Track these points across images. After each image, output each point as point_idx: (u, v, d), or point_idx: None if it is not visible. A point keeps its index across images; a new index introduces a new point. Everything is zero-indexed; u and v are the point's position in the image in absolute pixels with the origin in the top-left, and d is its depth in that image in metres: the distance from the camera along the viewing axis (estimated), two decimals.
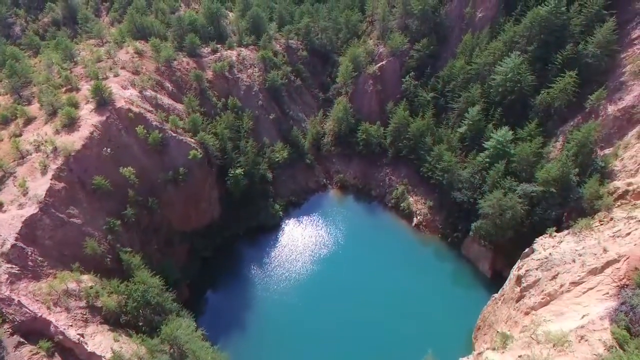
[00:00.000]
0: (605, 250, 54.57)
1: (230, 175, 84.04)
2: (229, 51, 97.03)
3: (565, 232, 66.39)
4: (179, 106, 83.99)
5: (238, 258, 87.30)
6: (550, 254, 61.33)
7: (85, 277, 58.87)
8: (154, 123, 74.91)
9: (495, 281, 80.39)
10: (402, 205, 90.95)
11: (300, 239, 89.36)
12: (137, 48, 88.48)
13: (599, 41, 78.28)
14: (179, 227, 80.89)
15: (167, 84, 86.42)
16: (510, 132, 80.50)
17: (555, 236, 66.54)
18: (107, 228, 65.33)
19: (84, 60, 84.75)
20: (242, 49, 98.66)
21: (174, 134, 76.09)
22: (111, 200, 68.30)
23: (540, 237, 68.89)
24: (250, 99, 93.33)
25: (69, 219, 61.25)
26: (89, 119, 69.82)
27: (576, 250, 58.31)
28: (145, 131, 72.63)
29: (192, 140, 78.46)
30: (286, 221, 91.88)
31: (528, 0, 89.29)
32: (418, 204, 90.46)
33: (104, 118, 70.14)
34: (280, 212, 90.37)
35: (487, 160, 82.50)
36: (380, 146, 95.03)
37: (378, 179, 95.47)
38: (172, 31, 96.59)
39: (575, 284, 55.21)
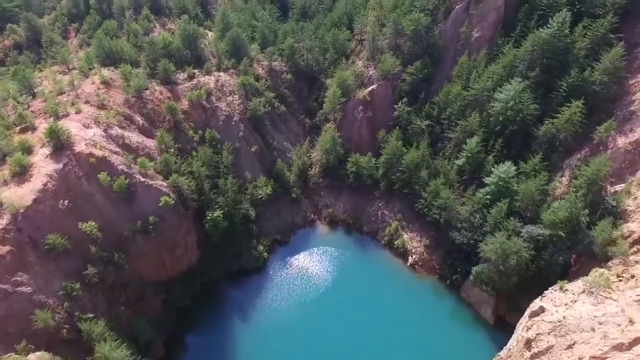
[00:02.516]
0: (631, 322, 47.59)
1: (209, 218, 76.06)
2: (206, 77, 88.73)
3: (578, 285, 59.38)
4: (151, 143, 75.64)
5: (219, 305, 79.24)
6: (564, 317, 54.22)
7: (33, 357, 50.63)
8: (120, 167, 66.54)
9: (498, 328, 73.47)
10: (396, 242, 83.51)
11: (287, 282, 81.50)
12: (104, 78, 79.85)
13: (606, 67, 71.42)
14: (152, 277, 72.70)
15: (138, 118, 78.00)
16: (513, 168, 73.38)
17: (566, 290, 59.66)
18: (64, 293, 57.08)
19: (43, 93, 76.11)
20: (221, 73, 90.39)
21: (142, 179, 67.73)
22: (70, 259, 60.03)
23: (550, 290, 61.91)
24: (230, 130, 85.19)
25: (15, 289, 53.03)
26: (43, 166, 61.36)
27: (595, 316, 51.22)
28: (110, 178, 64.27)
29: (164, 184, 70.15)
30: (271, 262, 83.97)
31: (528, 21, 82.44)
32: (413, 242, 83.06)
33: (60, 166, 61.72)
34: (265, 254, 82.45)
35: (488, 197, 75.38)
36: (372, 178, 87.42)
37: (370, 214, 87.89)
38: (145, 56, 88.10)
39: (596, 359, 48.26)
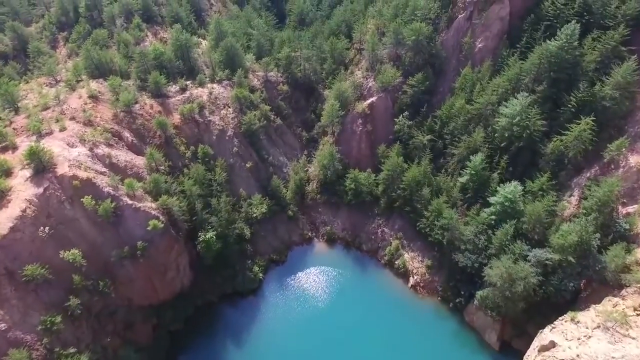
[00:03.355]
0: None
1: (201, 240, 71.97)
2: (199, 89, 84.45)
3: (591, 317, 55.63)
4: (140, 161, 71.42)
5: (213, 329, 75.11)
6: (577, 355, 50.38)
7: None
8: (106, 189, 62.35)
9: (504, 353, 69.74)
10: (396, 262, 79.47)
11: (283, 304, 77.46)
12: (91, 91, 75.62)
13: (617, 82, 67.37)
14: (142, 302, 68.67)
15: (127, 134, 73.80)
16: (520, 188, 69.36)
17: (578, 322, 55.81)
18: (43, 328, 53.04)
19: (27, 108, 71.83)
20: (215, 85, 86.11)
21: (129, 202, 63.54)
22: (51, 289, 56.03)
23: (560, 320, 58.17)
24: (223, 145, 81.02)
25: None
26: (23, 191, 57.23)
27: (613, 357, 47.46)
28: (94, 202, 60.12)
29: (153, 205, 65.99)
30: (267, 283, 79.91)
31: (534, 32, 78.31)
32: (414, 262, 79.05)
33: (41, 190, 57.56)
34: (260, 274, 78.40)
35: (493, 217, 71.42)
36: (372, 194, 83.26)
37: (369, 232, 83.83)
38: (135, 67, 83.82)
39: None
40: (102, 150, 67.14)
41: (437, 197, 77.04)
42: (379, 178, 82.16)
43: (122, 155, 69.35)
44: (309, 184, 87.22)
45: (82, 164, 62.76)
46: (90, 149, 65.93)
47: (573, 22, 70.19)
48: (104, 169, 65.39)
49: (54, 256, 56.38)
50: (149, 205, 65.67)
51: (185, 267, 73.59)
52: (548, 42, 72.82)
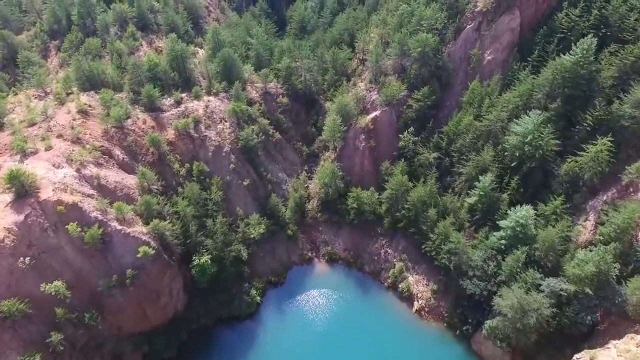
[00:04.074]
0: None
1: (195, 264, 67.64)
2: (195, 102, 79.94)
3: (612, 357, 51.21)
4: (131, 180, 66.96)
5: (208, 355, 70.76)
6: None
7: None
8: (93, 214, 58.00)
9: None
10: (400, 285, 75.07)
11: (282, 329, 73.06)
12: (81, 106, 71.20)
13: (636, 100, 62.72)
14: (132, 330, 64.40)
15: (117, 152, 69.34)
16: (532, 212, 64.77)
17: None
18: None
19: (12, 124, 67.38)
20: (211, 98, 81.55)
21: (119, 227, 59.16)
22: (31, 325, 51.83)
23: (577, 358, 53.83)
24: (219, 161, 76.53)
25: None
26: (2, 218, 52.85)
27: None
28: (80, 228, 55.75)
29: (144, 230, 61.59)
30: (265, 306, 75.47)
31: (546, 45, 73.63)
32: (419, 285, 74.62)
33: (21, 217, 53.30)
34: (258, 297, 73.97)
35: (503, 242, 66.92)
36: (374, 213, 78.72)
37: (372, 252, 79.38)
38: (129, 79, 79.33)
39: None
40: (91, 170, 62.69)
41: (444, 219, 72.49)
42: (382, 197, 77.60)
43: (112, 176, 64.92)
44: (309, 202, 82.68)
45: (68, 187, 58.36)
46: (78, 170, 61.47)
47: (590, 36, 65.55)
48: (91, 191, 60.99)
49: (35, 288, 52.17)
50: (139, 230, 61.24)
51: (179, 292, 69.27)
52: (562, 56, 68.24)
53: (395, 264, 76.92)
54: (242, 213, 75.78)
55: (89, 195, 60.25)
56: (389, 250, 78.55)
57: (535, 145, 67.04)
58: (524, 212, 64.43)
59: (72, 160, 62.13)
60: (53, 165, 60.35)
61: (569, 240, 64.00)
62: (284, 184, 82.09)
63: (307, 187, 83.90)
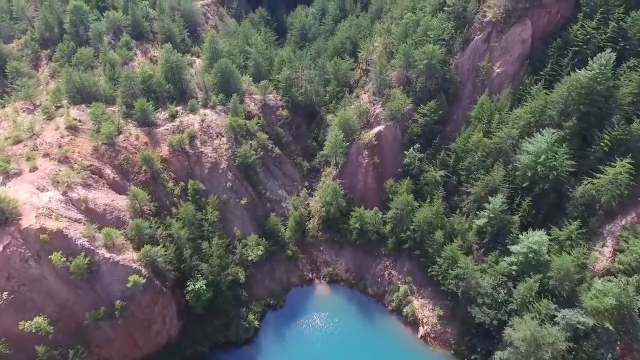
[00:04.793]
0: None
1: (190, 289, 63.41)
2: (190, 116, 75.47)
3: None
4: (121, 202, 62.59)
5: None
6: None
7: None
8: (80, 241, 53.78)
9: None
10: (405, 310, 70.77)
11: (281, 354, 68.66)
12: (70, 122, 66.85)
13: None
14: (121, 359, 60.31)
15: (108, 170, 64.97)
16: (546, 237, 60.41)
17: None
18: None
19: None
20: (208, 111, 77.06)
21: (107, 255, 54.93)
22: None
23: None
24: (216, 179, 72.13)
25: None
26: None
27: None
28: (65, 258, 51.48)
29: (134, 257, 57.35)
30: (263, 331, 71.14)
31: (560, 58, 69.03)
32: (425, 310, 70.34)
33: (0, 248, 48.94)
34: (256, 322, 69.66)
35: (514, 268, 62.59)
36: (378, 233, 74.34)
37: (375, 274, 75.03)
38: (121, 92, 74.87)
39: None
40: (78, 193, 58.34)
41: (451, 241, 68.20)
42: (386, 216, 73.22)
43: (101, 198, 60.56)
44: (309, 220, 78.27)
45: (53, 212, 54.12)
46: (64, 193, 57.21)
47: (608, 50, 61.00)
48: (79, 216, 56.73)
49: (14, 325, 48.03)
50: (129, 257, 56.97)
51: (172, 318, 65.01)
52: (578, 71, 63.73)
53: (399, 287, 72.58)
54: (240, 233, 71.37)
55: (75, 220, 55.98)
56: (393, 272, 74.21)
57: (549, 166, 62.61)
58: (537, 238, 60.04)
59: (58, 182, 57.82)
60: (37, 189, 56.06)
61: (584, 268, 59.68)
62: (284, 202, 77.61)
63: (308, 204, 79.50)
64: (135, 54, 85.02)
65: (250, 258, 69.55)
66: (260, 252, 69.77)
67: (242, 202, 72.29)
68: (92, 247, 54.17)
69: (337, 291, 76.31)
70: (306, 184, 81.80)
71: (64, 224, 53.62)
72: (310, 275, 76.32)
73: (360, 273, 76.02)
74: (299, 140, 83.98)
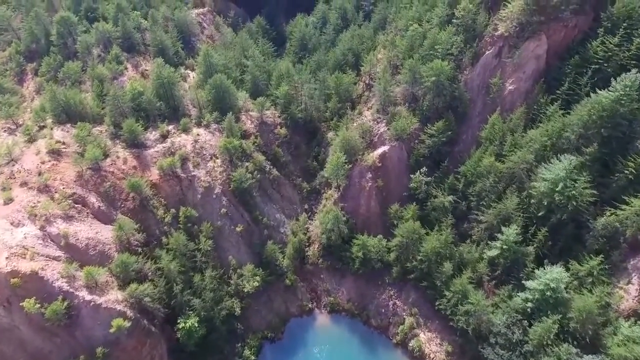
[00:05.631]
0: None
1: (181, 327, 57.99)
2: (183, 136, 69.83)
3: None
4: (106, 233, 57.03)
5: None
6: None
7: None
8: (57, 284, 48.37)
9: None
10: (410, 344, 65.32)
11: None
12: (52, 145, 61.23)
13: None
14: None
15: (92, 199, 59.38)
16: (565, 274, 54.85)
17: None
18: None
19: None
20: (201, 130, 71.36)
21: (88, 297, 49.50)
22: None
23: None
24: (210, 205, 66.55)
25: None
26: None
27: None
28: (40, 304, 46.01)
29: (119, 297, 51.88)
30: None
31: (578, 77, 63.18)
32: (432, 345, 64.92)
33: None
34: (252, 358, 64.10)
35: (530, 305, 57.10)
36: (382, 261, 68.86)
37: (379, 304, 69.55)
38: (109, 110, 69.21)
39: None
40: (58, 227, 52.80)
41: (460, 271, 62.80)
42: (391, 244, 67.68)
43: (84, 231, 54.98)
44: (309, 247, 72.75)
45: (27, 251, 48.69)
46: (42, 227, 51.73)
47: (634, 71, 55.18)
48: (58, 253, 51.25)
49: None
50: (113, 297, 51.48)
51: (162, 357, 59.29)
52: (599, 92, 58.02)
53: (404, 318, 67.12)
54: (235, 262, 65.83)
55: (54, 258, 50.50)
56: (397, 302, 68.76)
57: (567, 195, 57.03)
58: (555, 275, 54.44)
59: (36, 215, 52.34)
60: (12, 224, 50.56)
61: (608, 307, 54.16)
62: (282, 227, 71.96)
63: (307, 228, 73.91)
64: (126, 68, 79.04)
65: (246, 290, 64.04)
66: (256, 284, 64.22)
67: (238, 229, 66.66)
68: (71, 290, 48.69)
69: (338, 322, 70.77)
70: (306, 206, 76.09)
71: (39, 265, 48.14)
72: (310, 305, 70.76)
73: (363, 303, 70.48)
74: (299, 159, 78.18)
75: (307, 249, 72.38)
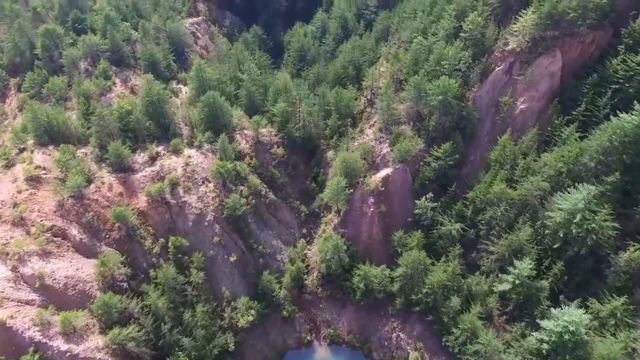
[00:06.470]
0: None
1: None
2: (173, 158, 64.41)
3: None
4: (88, 269, 51.83)
5: None
6: None
7: None
8: (28, 333, 43.34)
9: None
10: None
11: None
12: (31, 172, 55.89)
13: None
14: None
15: (74, 231, 54.12)
16: (586, 317, 49.70)
17: None
18: None
19: None
20: (193, 152, 65.95)
21: (64, 347, 44.42)
22: None
23: None
24: (201, 233, 61.24)
25: None
26: None
27: None
28: None
29: (99, 344, 46.77)
30: None
31: (596, 97, 57.84)
32: None
33: None
34: None
35: (546, 347, 51.99)
36: (385, 292, 63.73)
37: (382, 336, 64.41)
38: (95, 131, 63.85)
39: None
40: (32, 266, 47.65)
41: (469, 306, 57.66)
42: (394, 274, 62.53)
43: (63, 269, 49.76)
44: (308, 274, 67.57)
45: None
46: (14, 268, 46.71)
47: None
48: (31, 296, 46.19)
49: None
50: (93, 345, 46.42)
51: None
52: (621, 116, 52.70)
53: (409, 353, 61.99)
54: (229, 295, 60.63)
55: (27, 302, 45.44)
56: (401, 335, 63.59)
57: (586, 229, 51.82)
58: (574, 318, 49.32)
59: (7, 254, 47.33)
60: None
61: (634, 352, 49.15)
62: (279, 254, 66.72)
63: (306, 254, 68.75)
64: (114, 84, 73.44)
65: (240, 325, 58.91)
66: (251, 318, 59.04)
67: (232, 258, 61.37)
68: (44, 340, 43.60)
69: (338, 354, 65.55)
70: (304, 230, 70.75)
71: (8, 312, 43.05)
72: (308, 337, 65.53)
73: (364, 335, 65.35)
74: (296, 180, 72.73)
75: (305, 277, 67.05)
